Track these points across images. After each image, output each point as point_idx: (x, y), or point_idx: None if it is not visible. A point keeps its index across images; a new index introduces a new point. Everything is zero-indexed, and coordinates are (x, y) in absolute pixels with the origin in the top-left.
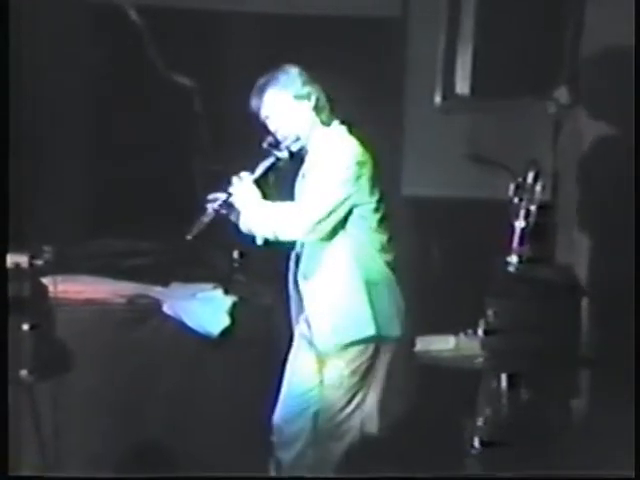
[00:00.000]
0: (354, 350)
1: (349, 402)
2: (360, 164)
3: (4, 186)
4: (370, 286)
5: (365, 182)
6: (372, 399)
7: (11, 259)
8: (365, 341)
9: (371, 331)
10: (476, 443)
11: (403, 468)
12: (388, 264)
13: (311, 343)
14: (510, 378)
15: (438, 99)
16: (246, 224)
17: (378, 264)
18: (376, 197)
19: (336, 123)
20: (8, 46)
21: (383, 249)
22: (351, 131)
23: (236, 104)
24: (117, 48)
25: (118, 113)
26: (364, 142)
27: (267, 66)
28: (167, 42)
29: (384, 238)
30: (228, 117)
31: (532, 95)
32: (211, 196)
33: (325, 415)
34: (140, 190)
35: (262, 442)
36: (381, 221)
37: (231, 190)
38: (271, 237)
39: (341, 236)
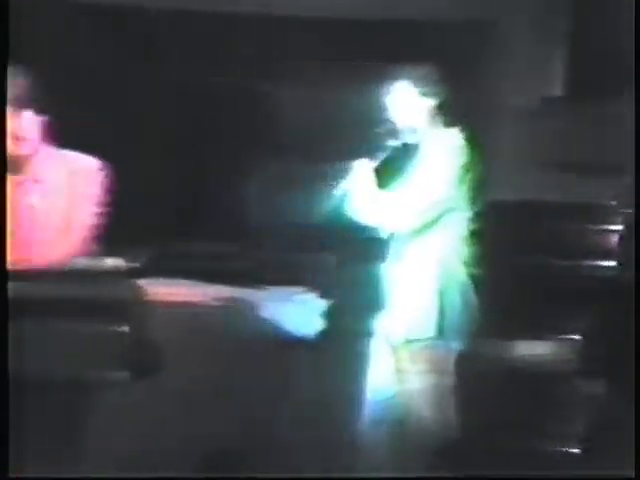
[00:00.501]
0: (430, 353)
1: (431, 406)
2: (466, 169)
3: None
4: (445, 292)
5: (467, 189)
6: (456, 403)
7: (109, 262)
8: (424, 342)
9: (430, 334)
10: (568, 447)
11: (490, 470)
12: (471, 277)
13: (388, 342)
14: (604, 383)
15: (530, 101)
16: (358, 211)
17: (459, 274)
18: (475, 208)
19: (457, 128)
20: (8, 46)
21: (469, 261)
22: (469, 140)
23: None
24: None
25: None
26: (478, 152)
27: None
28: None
29: (473, 251)
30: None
31: (624, 96)
32: (337, 183)
33: (407, 419)
34: (234, 194)
35: (351, 447)
36: (474, 233)
37: (352, 177)
38: (375, 226)
39: (431, 237)
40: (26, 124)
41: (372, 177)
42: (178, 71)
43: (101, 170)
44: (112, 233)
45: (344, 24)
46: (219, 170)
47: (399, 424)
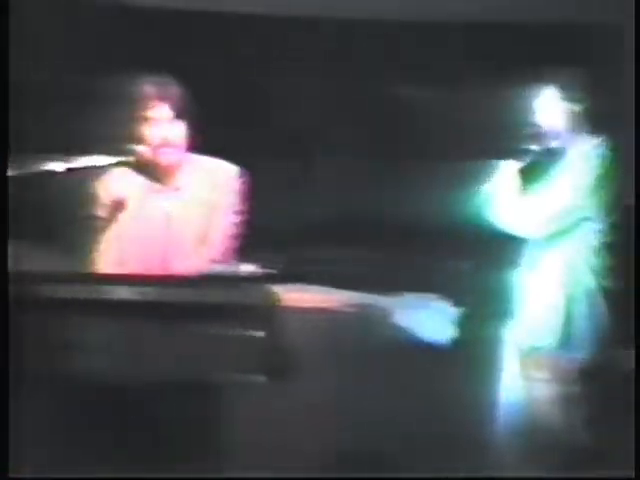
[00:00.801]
0: (556, 361)
1: (557, 414)
2: (602, 179)
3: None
4: (573, 301)
5: (602, 199)
6: (583, 411)
7: (245, 268)
8: (551, 350)
9: (557, 342)
10: None
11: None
12: (602, 289)
13: (516, 349)
14: None
15: None
16: (499, 214)
17: (589, 285)
18: (611, 219)
19: (599, 135)
20: (8, 46)
21: (600, 273)
22: (610, 148)
23: None
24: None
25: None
26: (618, 161)
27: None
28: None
29: (605, 263)
30: None
31: None
32: (479, 184)
33: (534, 426)
34: (368, 197)
35: (479, 451)
36: (606, 245)
37: (496, 178)
38: (513, 230)
39: (564, 244)
40: (177, 134)
41: (516, 179)
42: (309, 74)
43: (239, 177)
44: (248, 239)
45: (492, 27)
46: (352, 173)
47: (525, 430)
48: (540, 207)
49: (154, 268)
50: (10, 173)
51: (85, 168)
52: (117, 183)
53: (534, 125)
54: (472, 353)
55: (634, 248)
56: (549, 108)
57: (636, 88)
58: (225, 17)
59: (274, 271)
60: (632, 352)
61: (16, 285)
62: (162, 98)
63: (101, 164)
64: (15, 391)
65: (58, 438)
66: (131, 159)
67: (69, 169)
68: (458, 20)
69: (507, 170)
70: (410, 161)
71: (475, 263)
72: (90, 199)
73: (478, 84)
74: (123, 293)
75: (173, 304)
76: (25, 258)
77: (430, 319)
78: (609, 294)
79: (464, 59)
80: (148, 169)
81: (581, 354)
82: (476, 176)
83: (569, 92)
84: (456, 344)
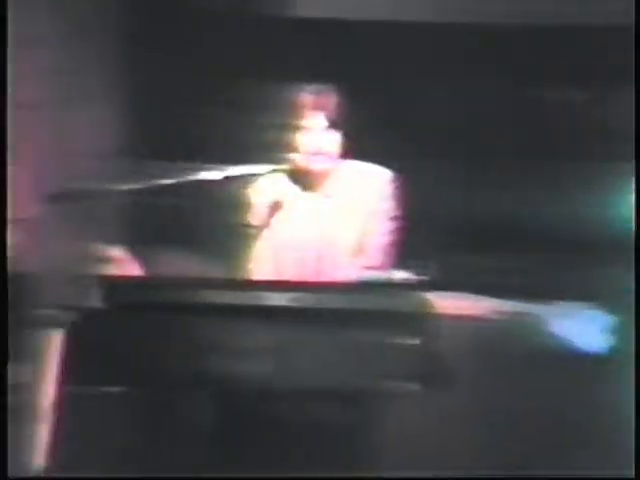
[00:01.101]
0: None
1: None
2: None
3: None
4: None
5: None
6: None
7: (399, 275)
8: None
9: None
10: None
11: None
12: None
13: None
14: None
15: None
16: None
17: None
18: None
19: None
20: (6, 43)
21: None
22: None
23: None
24: None
25: None
26: None
27: None
28: None
29: None
30: None
31: None
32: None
33: None
34: (520, 204)
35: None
36: None
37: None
38: None
39: None
40: (331, 143)
41: None
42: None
43: (393, 182)
44: (402, 245)
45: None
46: (508, 177)
47: None
48: None
49: (308, 275)
50: (167, 182)
51: (240, 176)
52: (269, 190)
53: None
54: (628, 362)
55: (634, 248)
56: None
57: (636, 87)
58: (383, 25)
59: (427, 278)
60: None
61: (174, 291)
62: (318, 107)
63: (255, 172)
64: (169, 393)
65: (206, 440)
66: (284, 167)
67: (225, 177)
68: (600, 23)
69: None
70: (565, 163)
71: (631, 269)
72: (243, 206)
73: (625, 85)
74: (277, 299)
75: (327, 311)
76: (182, 265)
77: (585, 327)
78: None
79: (608, 60)
80: (300, 176)
81: None
82: (633, 179)
83: None
84: (612, 353)
